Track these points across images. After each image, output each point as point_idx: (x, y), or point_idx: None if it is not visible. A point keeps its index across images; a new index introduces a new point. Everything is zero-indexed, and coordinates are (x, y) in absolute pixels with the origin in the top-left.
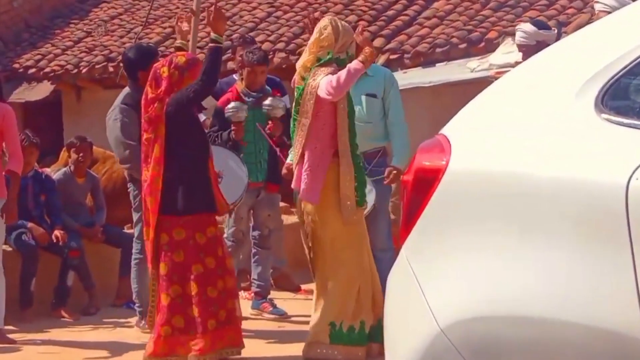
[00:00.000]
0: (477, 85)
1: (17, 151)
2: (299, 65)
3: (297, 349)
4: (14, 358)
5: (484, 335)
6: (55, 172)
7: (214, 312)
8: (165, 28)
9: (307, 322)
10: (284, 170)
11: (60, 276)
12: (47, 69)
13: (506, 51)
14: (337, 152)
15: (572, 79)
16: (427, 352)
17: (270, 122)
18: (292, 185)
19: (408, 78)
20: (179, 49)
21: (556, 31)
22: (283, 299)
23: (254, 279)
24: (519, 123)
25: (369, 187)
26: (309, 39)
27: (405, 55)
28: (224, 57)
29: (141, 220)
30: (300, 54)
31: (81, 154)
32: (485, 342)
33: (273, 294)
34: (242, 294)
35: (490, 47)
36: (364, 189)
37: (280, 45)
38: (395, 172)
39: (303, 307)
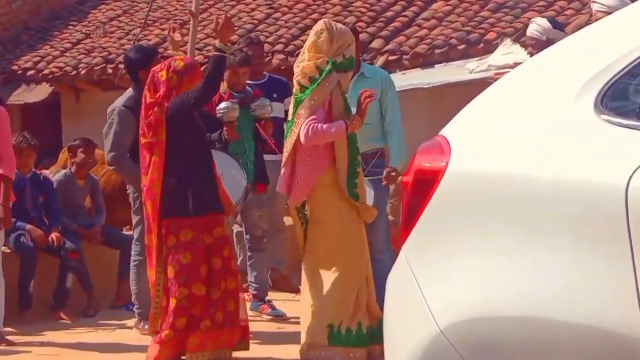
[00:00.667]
0: (476, 87)
1: (9, 155)
2: (297, 69)
3: (296, 350)
4: None
5: (483, 336)
6: (53, 174)
7: (211, 313)
8: (164, 30)
9: None
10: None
11: (59, 278)
12: (46, 71)
13: (505, 52)
14: (333, 162)
15: (571, 80)
16: (426, 352)
17: (263, 122)
18: (277, 189)
19: (407, 79)
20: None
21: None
22: (282, 301)
23: (251, 282)
24: (518, 124)
25: (367, 188)
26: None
27: (404, 57)
28: None
29: (141, 223)
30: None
31: (88, 156)
32: (485, 343)
33: (272, 295)
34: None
35: (489, 48)
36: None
37: (279, 47)
38: (393, 173)
39: None
